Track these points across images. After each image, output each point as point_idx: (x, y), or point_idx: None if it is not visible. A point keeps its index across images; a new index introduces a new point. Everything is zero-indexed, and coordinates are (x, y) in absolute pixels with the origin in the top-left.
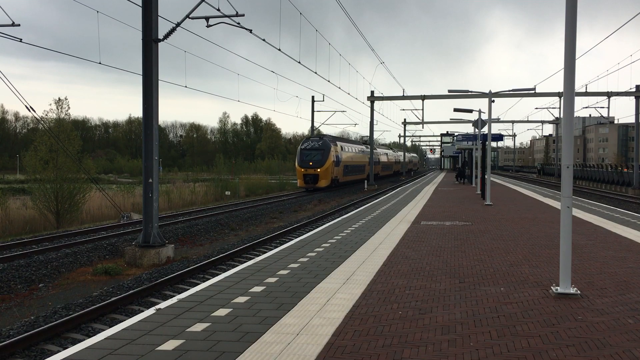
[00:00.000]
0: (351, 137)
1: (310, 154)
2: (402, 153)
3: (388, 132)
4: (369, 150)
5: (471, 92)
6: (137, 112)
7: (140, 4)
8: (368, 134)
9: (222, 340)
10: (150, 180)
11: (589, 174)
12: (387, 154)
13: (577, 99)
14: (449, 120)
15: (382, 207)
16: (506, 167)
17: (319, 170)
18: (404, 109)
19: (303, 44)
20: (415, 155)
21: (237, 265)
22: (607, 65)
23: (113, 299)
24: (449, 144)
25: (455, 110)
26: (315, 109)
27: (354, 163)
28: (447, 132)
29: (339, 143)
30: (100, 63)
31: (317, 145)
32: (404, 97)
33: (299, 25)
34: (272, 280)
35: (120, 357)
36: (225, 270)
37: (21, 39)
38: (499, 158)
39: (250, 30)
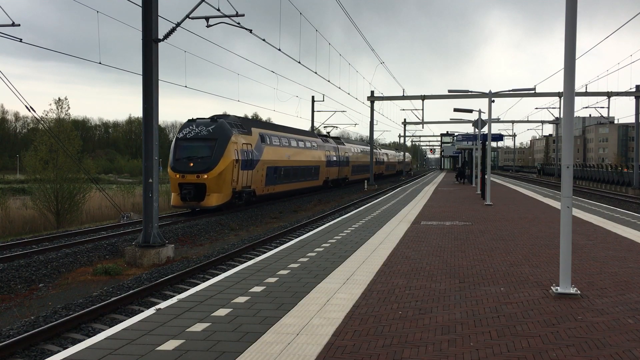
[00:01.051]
0: (351, 136)
1: (192, 148)
2: (389, 151)
3: (388, 132)
4: (328, 144)
5: (471, 92)
6: (137, 112)
7: (140, 4)
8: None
9: (222, 340)
10: (150, 180)
11: (589, 174)
12: (363, 151)
13: (577, 99)
14: (449, 120)
15: (382, 207)
16: (506, 167)
17: (205, 176)
18: (404, 109)
19: (303, 43)
20: (407, 154)
21: (237, 265)
22: (607, 65)
23: (113, 299)
24: (449, 144)
25: (455, 110)
26: (315, 109)
27: (295, 164)
28: (447, 132)
29: (255, 130)
30: (100, 63)
31: (205, 132)
32: (404, 97)
33: (298, 25)
34: (272, 280)
35: (120, 357)
36: (225, 270)
37: (21, 39)
38: (499, 158)
39: (250, 30)
